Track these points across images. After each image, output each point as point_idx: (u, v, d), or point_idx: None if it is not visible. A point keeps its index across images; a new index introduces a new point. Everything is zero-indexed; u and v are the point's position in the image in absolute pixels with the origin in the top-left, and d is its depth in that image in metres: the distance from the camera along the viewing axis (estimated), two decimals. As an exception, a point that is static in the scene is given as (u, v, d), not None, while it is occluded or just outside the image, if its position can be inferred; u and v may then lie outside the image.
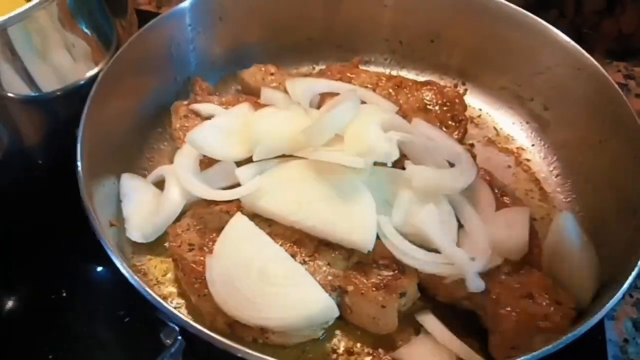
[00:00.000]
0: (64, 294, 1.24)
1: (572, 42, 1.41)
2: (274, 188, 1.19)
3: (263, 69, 1.54)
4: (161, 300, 0.95)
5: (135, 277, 0.97)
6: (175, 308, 1.13)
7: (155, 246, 1.25)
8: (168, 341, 0.93)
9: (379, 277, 1.12)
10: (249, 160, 1.25)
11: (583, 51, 1.40)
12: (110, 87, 1.24)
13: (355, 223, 1.14)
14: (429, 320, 1.13)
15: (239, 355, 0.90)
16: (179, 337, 0.93)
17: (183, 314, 1.12)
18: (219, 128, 1.29)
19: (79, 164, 1.09)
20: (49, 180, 1.31)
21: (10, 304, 1.25)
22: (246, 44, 1.59)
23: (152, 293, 0.96)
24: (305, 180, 1.20)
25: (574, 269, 1.12)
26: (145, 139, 1.42)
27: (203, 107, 1.38)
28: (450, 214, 1.21)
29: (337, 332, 1.16)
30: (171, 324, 0.94)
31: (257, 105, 1.40)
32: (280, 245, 1.15)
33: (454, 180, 1.23)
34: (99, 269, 1.32)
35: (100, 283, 1.30)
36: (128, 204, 1.26)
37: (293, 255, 1.13)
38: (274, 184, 1.20)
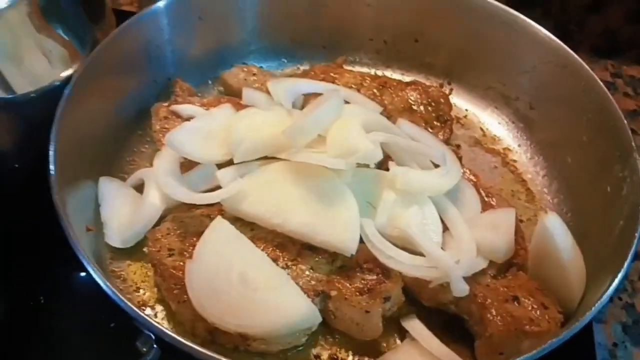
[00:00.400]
0: (42, 301, 1.21)
1: (557, 40, 1.40)
2: (255, 191, 1.17)
3: (245, 69, 1.52)
4: (135, 308, 0.92)
5: (108, 284, 0.94)
6: (154, 314, 1.13)
7: (135, 251, 1.21)
8: (144, 349, 0.89)
9: (362, 281, 1.10)
10: (230, 162, 1.22)
11: (567, 49, 1.38)
12: (85, 89, 1.21)
13: (338, 226, 1.12)
14: (415, 326, 1.11)
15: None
16: (154, 346, 0.90)
17: (161, 321, 1.12)
18: (198, 129, 1.26)
19: (51, 167, 1.06)
20: (25, 185, 1.27)
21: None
22: (228, 45, 1.56)
23: (126, 301, 0.92)
24: (287, 182, 1.17)
25: (560, 271, 1.10)
26: (125, 142, 1.39)
27: (183, 109, 1.35)
28: (434, 216, 1.19)
29: (321, 338, 1.13)
30: (147, 332, 0.91)
31: (239, 107, 1.37)
32: (262, 249, 1.12)
33: (438, 182, 1.21)
34: (79, 274, 1.27)
35: (79, 289, 1.26)
36: (106, 208, 1.22)
37: (275, 260, 1.11)
38: (255, 186, 1.17)
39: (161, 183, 1.20)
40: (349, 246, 1.09)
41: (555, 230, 1.11)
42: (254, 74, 1.50)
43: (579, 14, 1.85)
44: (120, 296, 0.92)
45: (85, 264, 0.95)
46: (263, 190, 1.17)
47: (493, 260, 1.14)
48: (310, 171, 1.17)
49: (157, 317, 1.13)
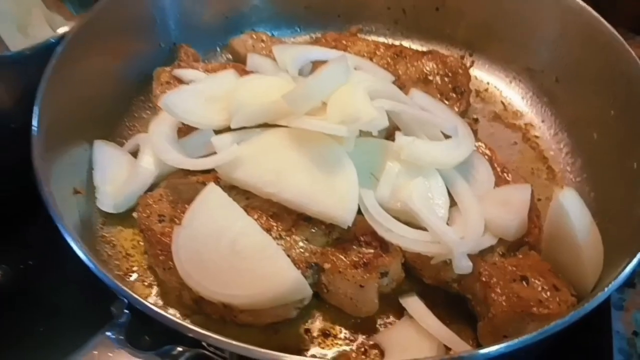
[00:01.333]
0: (31, 263, 1.20)
1: (587, 7, 1.30)
2: (251, 158, 1.11)
3: (254, 36, 1.46)
4: (106, 273, 0.88)
5: (85, 250, 0.91)
6: (141, 281, 1.09)
7: (128, 217, 1.17)
8: (117, 312, 0.85)
9: (359, 254, 1.03)
10: (230, 129, 1.17)
11: (599, 17, 1.28)
12: (82, 47, 1.17)
13: (335, 196, 1.05)
14: (413, 303, 1.04)
15: (190, 335, 0.82)
16: (126, 310, 0.86)
17: (148, 289, 1.08)
18: (198, 93, 1.20)
19: (34, 124, 1.02)
20: (22, 146, 1.24)
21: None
22: (238, 11, 1.51)
23: (97, 265, 0.89)
24: (285, 150, 1.11)
25: (575, 252, 1.01)
26: (126, 107, 1.36)
27: (186, 73, 1.30)
28: (441, 189, 1.11)
29: (314, 312, 1.07)
30: (120, 297, 0.87)
31: (244, 73, 1.31)
32: (257, 218, 1.06)
33: (447, 154, 1.13)
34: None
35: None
36: (99, 172, 1.19)
37: (269, 230, 1.05)
38: (252, 153, 1.11)
39: (155, 147, 1.15)
40: (345, 217, 1.02)
41: (570, 207, 1.01)
42: (263, 41, 1.44)
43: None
44: (93, 260, 0.89)
45: (61, 228, 0.92)
46: (259, 158, 1.11)
47: (502, 237, 1.05)
48: (310, 139, 1.10)
49: (144, 283, 1.09)
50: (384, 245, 1.04)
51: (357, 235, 1.06)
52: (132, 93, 1.36)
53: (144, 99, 1.37)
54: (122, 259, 1.13)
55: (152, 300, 1.06)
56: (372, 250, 1.04)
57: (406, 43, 1.57)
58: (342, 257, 1.03)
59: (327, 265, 1.02)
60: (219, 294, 0.97)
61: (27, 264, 1.20)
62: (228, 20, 1.51)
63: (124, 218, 1.17)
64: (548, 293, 0.96)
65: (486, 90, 1.49)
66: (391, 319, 1.06)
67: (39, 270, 1.20)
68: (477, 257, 1.02)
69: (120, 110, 1.34)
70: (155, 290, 1.08)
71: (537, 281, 0.99)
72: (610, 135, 1.23)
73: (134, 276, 1.10)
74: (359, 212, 1.05)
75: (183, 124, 1.20)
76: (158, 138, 1.16)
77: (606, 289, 0.88)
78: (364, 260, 1.02)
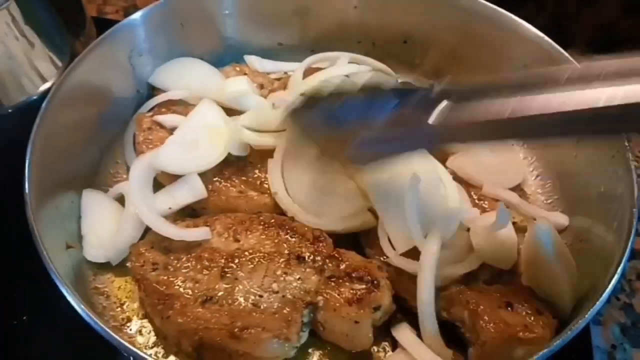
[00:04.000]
0: (25, 318, 1.19)
1: (546, 38, 1.36)
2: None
3: (238, 68, 1.49)
4: (109, 331, 0.90)
5: (83, 306, 0.92)
6: (139, 330, 1.11)
7: (118, 265, 1.19)
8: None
9: (351, 291, 1.07)
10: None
11: (557, 46, 1.35)
12: (64, 102, 1.18)
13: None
14: (404, 334, 1.08)
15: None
16: (129, 365, 0.88)
17: (147, 336, 1.10)
18: (182, 142, 1.23)
19: (26, 185, 1.03)
20: (1, 202, 1.24)
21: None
22: (212, 51, 1.53)
23: (100, 324, 0.91)
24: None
25: (552, 279, 1.07)
26: (108, 154, 1.36)
27: (167, 119, 1.32)
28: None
29: (312, 349, 1.10)
30: (120, 351, 0.89)
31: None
32: (249, 259, 1.09)
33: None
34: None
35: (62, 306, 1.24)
36: (86, 221, 1.20)
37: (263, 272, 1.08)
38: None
39: (139, 212, 1.15)
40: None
41: (544, 238, 1.07)
42: (245, 74, 1.47)
43: (573, 7, 1.81)
44: (95, 319, 0.91)
45: (60, 285, 0.93)
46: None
47: (499, 266, 1.11)
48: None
49: (142, 332, 1.11)
50: (375, 281, 1.08)
51: (348, 271, 1.09)
52: (113, 140, 1.37)
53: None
54: (117, 310, 1.14)
55: (152, 351, 1.08)
56: (364, 286, 1.07)
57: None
58: (336, 295, 1.06)
59: (322, 304, 1.06)
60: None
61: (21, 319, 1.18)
62: (203, 60, 1.53)
63: (114, 267, 1.18)
64: (532, 317, 1.02)
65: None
66: (386, 350, 1.10)
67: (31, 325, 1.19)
68: (463, 285, 1.07)
69: (103, 158, 1.35)
70: (153, 339, 1.10)
71: (520, 306, 1.04)
72: (576, 159, 1.29)
73: (131, 325, 1.11)
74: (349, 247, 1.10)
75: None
76: (141, 202, 1.16)
77: (589, 312, 0.93)
78: (357, 296, 1.06)
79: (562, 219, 1.23)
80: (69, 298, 0.92)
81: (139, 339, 1.10)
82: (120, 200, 1.24)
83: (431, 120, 0.90)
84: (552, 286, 1.06)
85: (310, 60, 1.52)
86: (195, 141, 1.24)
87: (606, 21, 1.81)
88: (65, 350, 1.17)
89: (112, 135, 1.36)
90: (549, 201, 1.34)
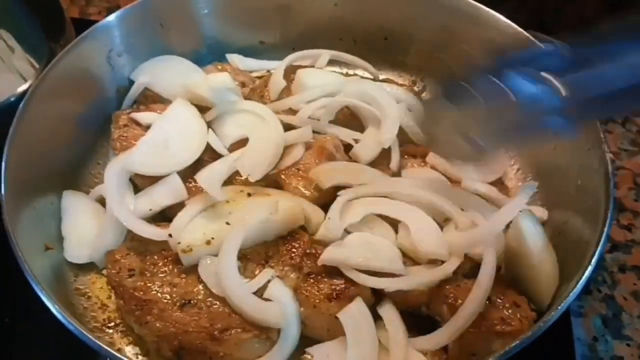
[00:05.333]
0: (6, 320, 1.19)
1: (525, 33, 1.37)
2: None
3: (220, 66, 1.49)
4: (89, 335, 0.90)
5: (61, 310, 0.93)
6: (119, 332, 1.11)
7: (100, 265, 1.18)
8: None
9: (330, 287, 1.07)
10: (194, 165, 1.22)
11: (535, 41, 1.35)
12: (42, 104, 1.18)
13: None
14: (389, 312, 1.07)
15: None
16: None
17: (127, 338, 1.09)
18: (154, 142, 1.22)
19: (2, 187, 1.03)
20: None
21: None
22: (193, 51, 1.53)
23: (80, 328, 0.91)
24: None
25: (531, 271, 1.07)
26: (89, 155, 1.36)
27: (143, 117, 1.31)
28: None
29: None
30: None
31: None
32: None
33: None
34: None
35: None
36: (66, 222, 1.20)
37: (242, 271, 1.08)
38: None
39: (117, 214, 1.14)
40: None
41: (528, 230, 1.08)
42: (228, 72, 1.46)
43: (554, 4, 1.82)
44: (69, 318, 0.91)
45: (35, 287, 0.93)
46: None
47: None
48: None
49: (121, 334, 1.11)
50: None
51: (326, 267, 1.09)
52: (94, 140, 1.37)
53: (107, 144, 1.38)
54: (97, 310, 1.14)
55: (132, 352, 1.08)
56: (342, 281, 1.07)
57: (359, 71, 1.62)
58: (315, 292, 1.06)
59: (301, 301, 1.06)
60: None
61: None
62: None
63: (95, 268, 1.18)
64: (510, 311, 1.02)
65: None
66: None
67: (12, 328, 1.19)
68: (442, 280, 1.08)
69: (83, 159, 1.34)
70: (133, 339, 1.10)
71: (498, 299, 1.04)
72: (553, 154, 1.29)
73: (112, 327, 1.11)
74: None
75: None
76: (113, 201, 1.16)
77: (563, 303, 0.94)
78: (336, 292, 1.06)
79: (541, 213, 1.24)
80: (44, 299, 0.92)
81: (120, 340, 1.10)
82: (102, 201, 1.23)
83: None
84: (533, 278, 1.07)
85: (291, 58, 1.53)
86: (166, 141, 1.23)
87: (587, 17, 1.81)
88: (50, 351, 1.17)
89: (93, 136, 1.36)
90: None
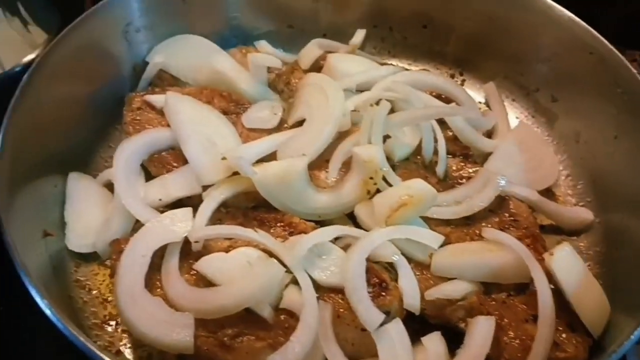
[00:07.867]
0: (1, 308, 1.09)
1: (582, 22, 1.25)
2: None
3: (244, 50, 1.39)
4: (82, 339, 0.80)
5: (53, 310, 0.82)
6: (120, 330, 1.00)
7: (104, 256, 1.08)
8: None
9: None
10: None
11: (594, 32, 1.23)
12: (50, 76, 1.09)
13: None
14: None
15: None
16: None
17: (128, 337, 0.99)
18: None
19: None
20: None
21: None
22: (215, 31, 1.42)
23: (71, 330, 0.81)
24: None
25: (577, 306, 0.94)
26: (100, 137, 1.26)
27: (158, 99, 1.21)
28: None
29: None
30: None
31: (222, 98, 1.23)
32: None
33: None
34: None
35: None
36: (71, 207, 1.10)
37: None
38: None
39: (125, 203, 1.05)
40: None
41: (560, 272, 0.95)
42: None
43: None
44: (58, 316, 0.81)
45: (27, 284, 0.83)
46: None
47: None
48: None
49: (122, 333, 1.00)
50: (383, 284, 0.96)
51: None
52: (106, 121, 1.27)
53: (119, 127, 1.27)
54: (98, 306, 1.04)
55: (132, 356, 0.97)
56: (371, 290, 0.95)
57: (394, 61, 1.51)
58: (339, 300, 0.95)
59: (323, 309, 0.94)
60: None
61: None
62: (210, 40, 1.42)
63: (98, 258, 1.08)
64: (564, 335, 0.90)
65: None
66: None
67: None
68: (486, 295, 0.95)
69: (95, 140, 1.24)
70: (134, 340, 0.99)
71: (550, 322, 0.92)
72: (611, 158, 1.18)
73: (113, 325, 1.01)
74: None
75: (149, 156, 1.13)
76: (122, 186, 1.07)
77: (630, 339, 0.82)
78: (365, 301, 0.94)
79: (586, 214, 1.16)
80: (38, 300, 0.82)
81: (121, 340, 0.99)
82: (110, 187, 1.13)
83: None
84: (580, 312, 0.94)
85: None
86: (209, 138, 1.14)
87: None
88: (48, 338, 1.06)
89: (105, 117, 1.26)
90: (580, 203, 1.23)
